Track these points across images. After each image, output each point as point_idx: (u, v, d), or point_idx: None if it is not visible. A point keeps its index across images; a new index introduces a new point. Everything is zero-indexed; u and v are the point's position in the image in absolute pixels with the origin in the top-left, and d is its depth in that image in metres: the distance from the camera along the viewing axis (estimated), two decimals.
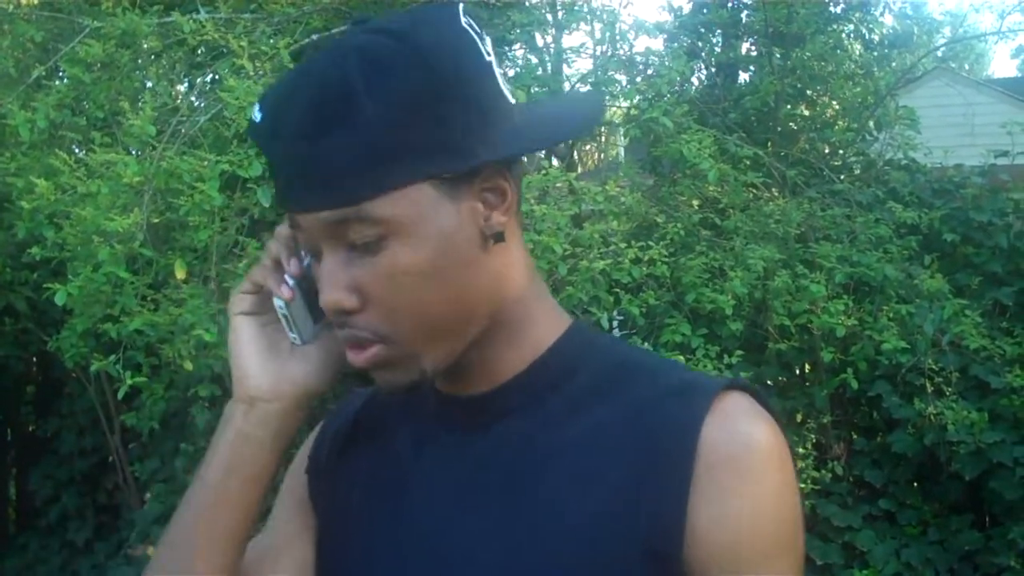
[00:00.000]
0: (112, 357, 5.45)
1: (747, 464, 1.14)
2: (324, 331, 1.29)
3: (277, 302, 1.27)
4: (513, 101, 1.23)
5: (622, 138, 8.82)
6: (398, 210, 1.13)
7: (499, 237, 1.19)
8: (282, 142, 1.15)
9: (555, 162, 7.50)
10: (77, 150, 6.49)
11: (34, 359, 9.12)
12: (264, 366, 1.29)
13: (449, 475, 1.27)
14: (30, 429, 9.63)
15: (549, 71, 7.80)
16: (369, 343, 1.19)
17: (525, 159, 1.17)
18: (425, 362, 1.21)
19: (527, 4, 7.14)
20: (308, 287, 1.26)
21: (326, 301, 1.18)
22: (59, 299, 5.21)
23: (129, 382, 5.41)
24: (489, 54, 1.19)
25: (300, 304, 1.27)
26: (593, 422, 1.21)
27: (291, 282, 1.27)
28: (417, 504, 1.28)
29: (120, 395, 5.60)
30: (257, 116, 1.18)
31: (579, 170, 9.34)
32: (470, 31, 1.17)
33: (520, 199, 1.25)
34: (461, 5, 1.21)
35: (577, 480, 1.19)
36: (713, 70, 9.10)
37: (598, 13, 6.84)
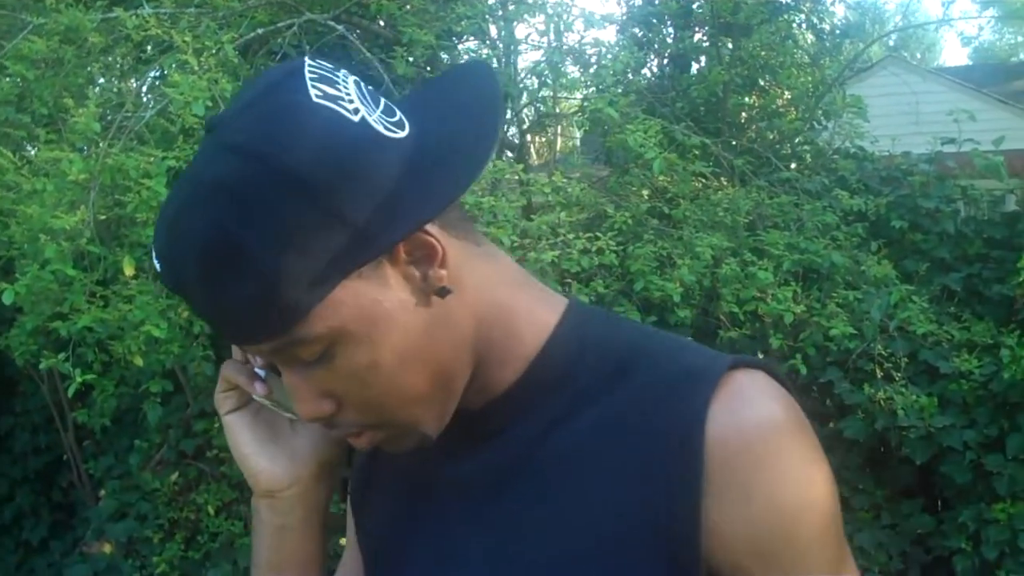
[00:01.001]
0: (62, 355, 5.43)
1: (761, 452, 1.10)
2: None
3: (257, 397, 1.25)
4: (400, 135, 1.11)
5: (577, 130, 8.83)
6: (332, 320, 1.08)
7: (443, 292, 1.14)
8: (189, 293, 1.10)
9: (508, 153, 7.51)
10: (24, 147, 6.45)
11: None
12: (270, 457, 1.27)
13: (462, 491, 1.26)
14: None
15: (502, 63, 7.82)
16: (360, 432, 1.18)
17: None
18: (425, 428, 1.19)
19: None
20: None
21: (304, 415, 1.16)
22: (6, 298, 5.17)
23: (79, 380, 5.38)
24: (356, 107, 1.09)
25: (281, 385, 1.23)
26: (594, 423, 1.18)
27: (262, 374, 1.25)
28: (434, 524, 1.28)
29: (71, 393, 5.57)
30: (156, 266, 1.13)
31: (534, 161, 9.34)
32: (325, 103, 1.07)
33: (458, 225, 1.19)
34: (305, 68, 1.11)
35: (583, 491, 1.16)
36: (665, 61, 9.13)
37: (546, 4, 6.83)
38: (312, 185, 1.03)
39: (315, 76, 1.09)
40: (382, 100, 1.15)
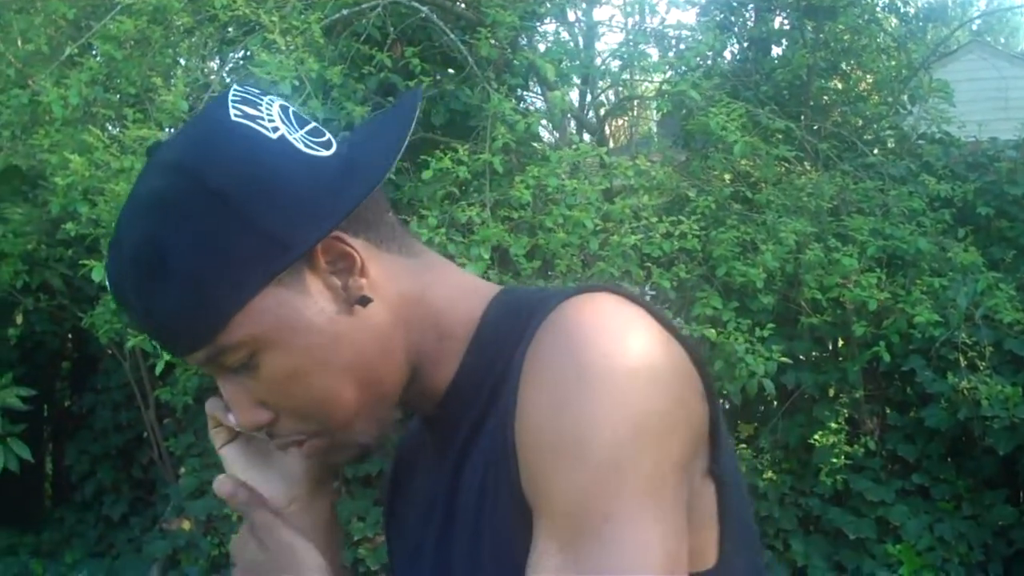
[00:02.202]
0: None
1: (537, 368, 1.07)
2: None
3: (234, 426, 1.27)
4: (326, 153, 1.17)
5: (655, 113, 8.78)
6: (252, 327, 1.12)
7: (364, 301, 1.16)
8: (129, 306, 1.17)
9: (587, 136, 7.49)
10: (110, 127, 6.52)
11: (69, 335, 9.19)
12: (266, 480, 1.29)
13: (430, 496, 1.28)
14: (66, 405, 9.72)
15: (581, 45, 7.79)
16: (300, 440, 1.20)
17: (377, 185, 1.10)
18: (362, 436, 1.21)
19: None
20: None
21: (240, 423, 1.20)
22: (95, 275, 5.25)
23: (166, 358, 5.45)
24: (275, 126, 1.15)
25: None
26: (500, 410, 1.16)
27: None
28: (421, 531, 1.30)
29: (158, 371, 5.65)
30: (107, 281, 1.21)
31: (611, 145, 9.32)
32: (245, 122, 1.13)
33: (378, 231, 1.21)
34: (231, 93, 1.17)
35: (474, 482, 1.17)
36: (746, 44, 9.06)
37: None
38: (229, 195, 1.10)
39: (238, 99, 1.16)
40: (311, 123, 1.20)
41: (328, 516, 1.31)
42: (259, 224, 1.10)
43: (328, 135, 1.20)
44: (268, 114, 1.16)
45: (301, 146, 1.15)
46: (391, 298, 1.20)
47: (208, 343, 1.13)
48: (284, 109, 1.18)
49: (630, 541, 1.00)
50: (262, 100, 1.17)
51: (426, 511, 1.29)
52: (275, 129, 1.14)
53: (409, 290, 1.22)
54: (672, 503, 1.04)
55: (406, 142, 1.17)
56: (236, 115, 1.14)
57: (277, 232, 1.10)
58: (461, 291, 1.27)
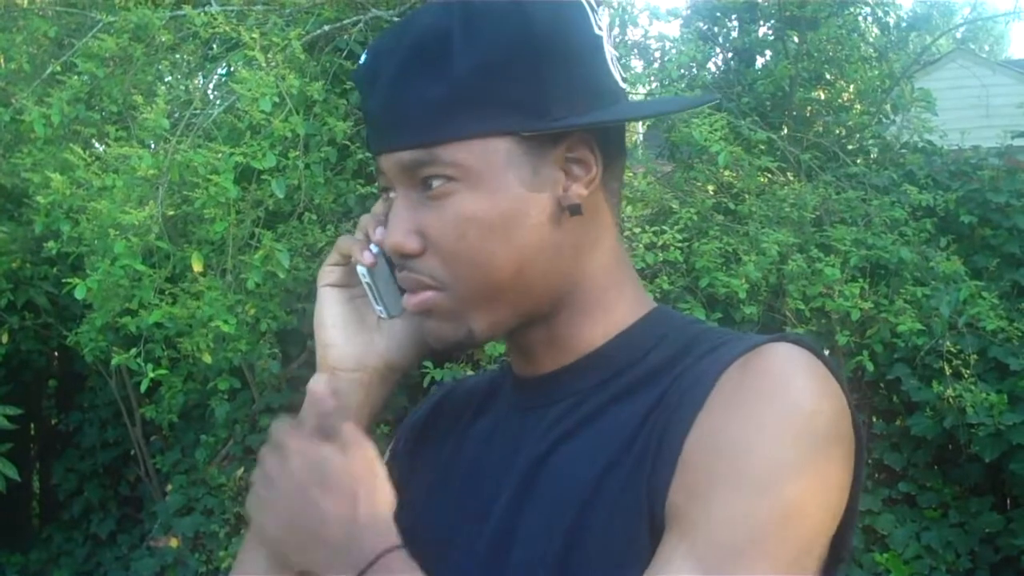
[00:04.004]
0: (133, 351, 5.49)
1: (758, 387, 1.06)
2: None
3: (360, 270, 1.27)
4: (622, 85, 1.23)
5: (640, 125, 8.79)
6: (472, 158, 1.13)
7: (575, 210, 1.17)
8: (376, 84, 1.18)
9: None
10: (94, 145, 6.52)
11: (55, 353, 9.16)
12: (348, 337, 1.28)
13: (503, 461, 1.25)
14: (52, 423, 9.69)
15: None
16: (424, 288, 1.19)
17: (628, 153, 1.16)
18: (473, 322, 1.20)
19: None
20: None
21: (389, 241, 1.20)
22: (79, 294, 5.25)
23: (151, 375, 5.45)
24: (600, 29, 1.19)
25: (387, 277, 1.27)
26: (633, 408, 1.16)
27: (375, 249, 1.27)
28: (476, 493, 1.27)
29: (143, 389, 5.64)
30: (362, 59, 1.22)
31: None
32: (584, 4, 1.18)
33: (615, 183, 1.25)
34: None
35: (589, 465, 1.14)
36: (729, 55, 9.08)
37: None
38: (539, 40, 1.14)
39: None
40: (618, 56, 1.26)
41: (378, 407, 1.30)
42: (545, 80, 1.14)
43: (623, 72, 1.26)
44: (599, 19, 1.20)
45: (610, 60, 1.21)
46: (587, 235, 1.22)
47: (429, 146, 1.14)
48: (610, 26, 1.26)
49: None
50: (599, 8, 1.22)
51: (473, 473, 1.29)
52: (600, 29, 1.20)
53: (601, 244, 1.24)
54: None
55: (677, 113, 1.29)
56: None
57: (552, 97, 1.14)
58: (634, 281, 1.30)
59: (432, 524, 1.29)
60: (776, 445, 1.03)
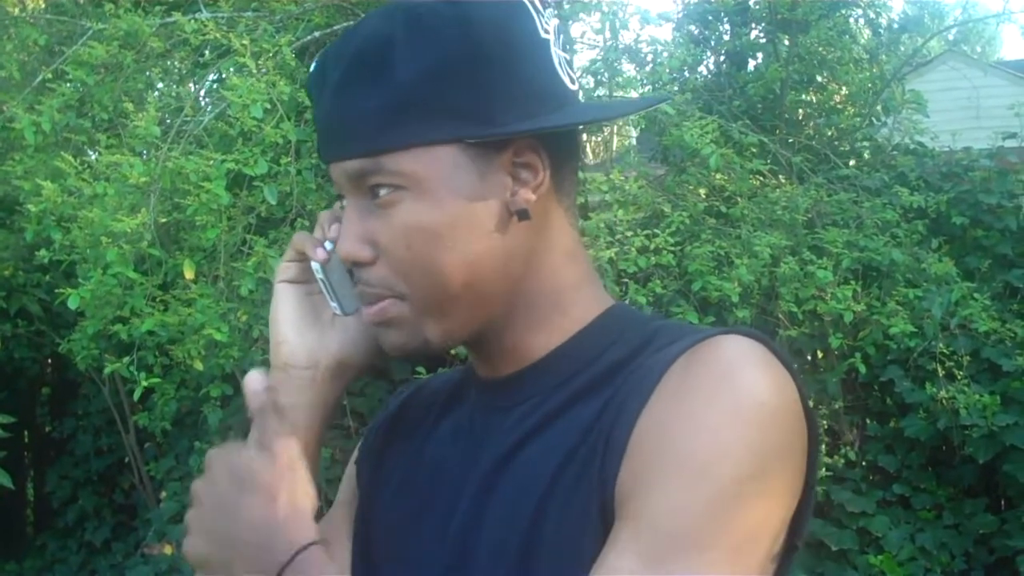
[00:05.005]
0: (126, 359, 5.49)
1: (703, 377, 1.06)
2: None
3: (315, 267, 1.27)
4: (572, 88, 1.22)
5: (633, 129, 8.79)
6: (417, 167, 1.13)
7: (523, 215, 1.16)
8: (324, 93, 1.19)
9: None
10: (85, 152, 6.51)
11: (48, 361, 9.16)
12: (301, 334, 1.28)
13: (467, 460, 1.25)
14: (46, 431, 9.69)
15: None
16: (380, 298, 1.19)
17: (582, 154, 1.16)
18: (428, 331, 1.20)
19: None
20: None
21: (341, 250, 1.20)
22: (72, 303, 5.24)
23: (144, 383, 5.44)
24: (546, 32, 1.19)
25: (343, 275, 1.27)
26: (592, 404, 1.16)
27: (329, 246, 1.26)
28: (440, 491, 1.27)
29: (136, 396, 5.63)
30: (312, 66, 1.23)
31: (590, 160, 9.32)
32: (528, 6, 1.18)
33: (567, 184, 1.24)
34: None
35: (549, 461, 1.15)
36: (721, 58, 9.08)
37: (601, 3, 6.82)
38: (482, 47, 1.14)
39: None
40: (569, 56, 1.25)
41: (332, 405, 1.29)
42: (489, 86, 1.14)
43: (574, 75, 1.25)
44: (546, 22, 1.20)
45: (555, 60, 1.20)
46: (539, 238, 1.22)
47: (374, 155, 1.14)
48: (558, 29, 1.22)
49: None
50: (545, 11, 1.21)
51: (438, 472, 1.29)
52: (546, 32, 1.19)
53: (556, 246, 1.24)
54: (759, 564, 1.06)
55: (631, 116, 1.26)
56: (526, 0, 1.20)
57: (495, 103, 1.14)
58: (591, 282, 1.28)
59: (398, 522, 1.30)
60: (718, 434, 1.03)
